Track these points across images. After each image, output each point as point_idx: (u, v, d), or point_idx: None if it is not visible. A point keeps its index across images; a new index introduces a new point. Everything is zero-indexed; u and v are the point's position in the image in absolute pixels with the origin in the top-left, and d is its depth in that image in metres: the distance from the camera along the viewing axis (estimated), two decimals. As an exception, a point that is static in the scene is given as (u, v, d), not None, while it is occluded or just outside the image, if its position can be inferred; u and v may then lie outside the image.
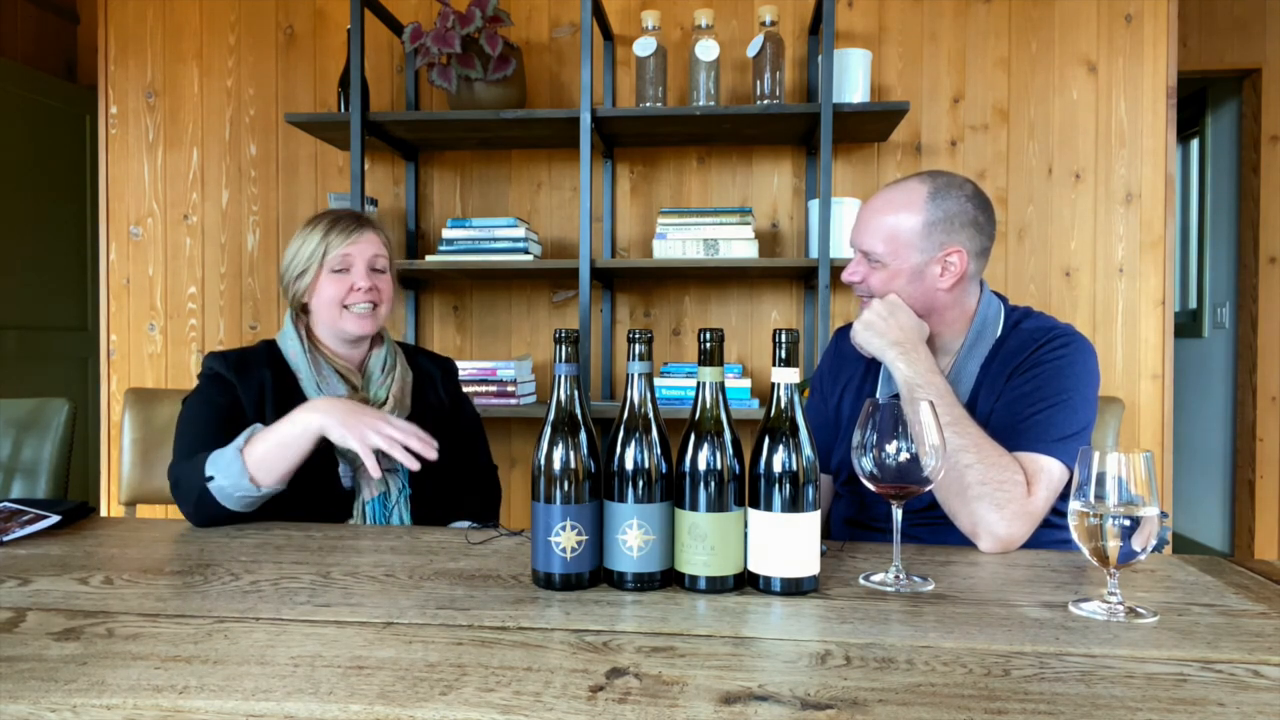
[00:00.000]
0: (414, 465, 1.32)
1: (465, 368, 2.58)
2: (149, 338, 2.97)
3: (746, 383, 2.57)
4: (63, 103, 3.71)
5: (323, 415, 1.34)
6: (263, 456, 1.33)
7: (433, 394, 1.68)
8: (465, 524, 1.47)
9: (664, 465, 1.02)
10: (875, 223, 1.41)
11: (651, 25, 2.52)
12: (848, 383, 1.55)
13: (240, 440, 1.35)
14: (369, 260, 1.57)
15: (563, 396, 1.03)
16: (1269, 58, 3.86)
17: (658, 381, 2.55)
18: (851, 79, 2.50)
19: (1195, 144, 4.47)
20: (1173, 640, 0.86)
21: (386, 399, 1.57)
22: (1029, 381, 1.34)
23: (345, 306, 1.55)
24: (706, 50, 2.48)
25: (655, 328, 2.85)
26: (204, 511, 1.34)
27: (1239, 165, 4.09)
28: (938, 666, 0.79)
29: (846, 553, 1.20)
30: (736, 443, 1.02)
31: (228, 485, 1.32)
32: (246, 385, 1.50)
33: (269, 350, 1.58)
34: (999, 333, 1.44)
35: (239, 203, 2.94)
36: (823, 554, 1.11)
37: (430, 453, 1.32)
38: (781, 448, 1.00)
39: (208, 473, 1.33)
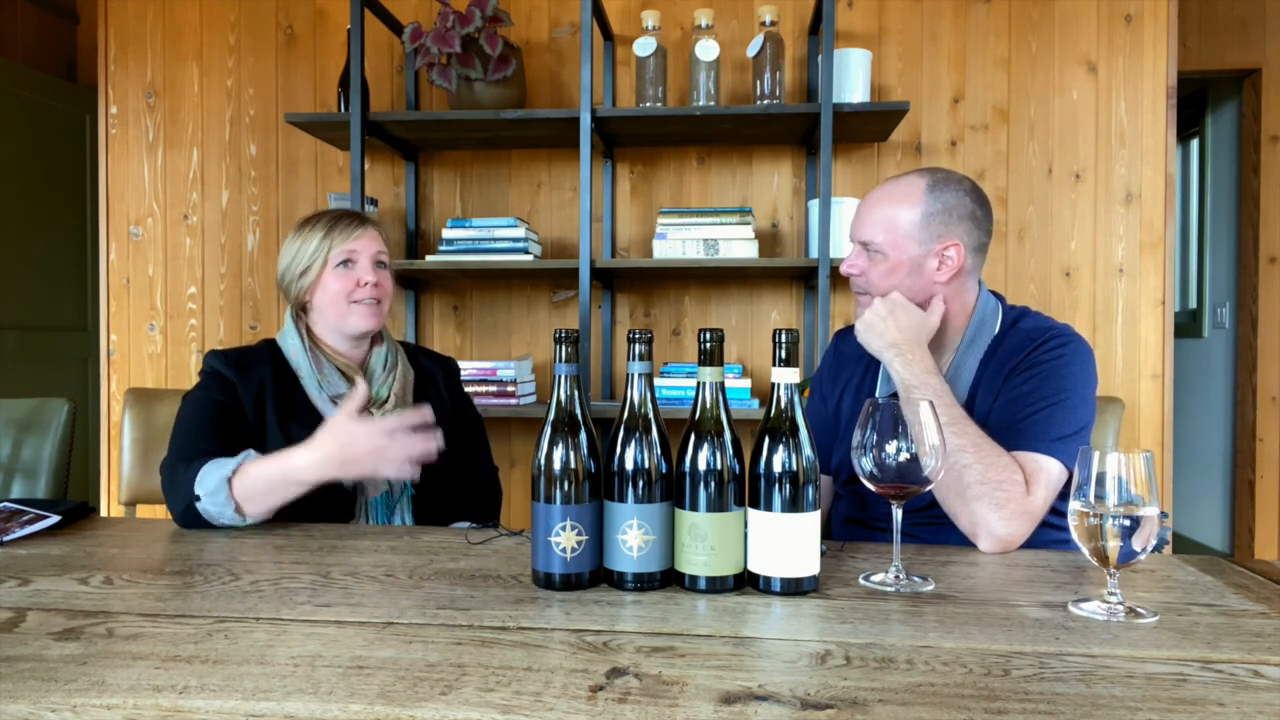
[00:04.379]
0: (416, 475, 1.30)
1: (465, 368, 2.57)
2: (149, 338, 2.97)
3: (746, 383, 2.57)
4: (63, 103, 3.71)
5: (319, 465, 1.28)
6: (250, 492, 1.29)
7: (434, 393, 1.67)
8: (465, 524, 1.47)
9: (664, 465, 1.02)
10: (874, 214, 1.42)
11: (651, 25, 2.52)
12: (847, 383, 1.56)
13: (228, 469, 1.29)
14: (373, 256, 1.58)
15: (563, 396, 1.03)
16: (1269, 58, 3.86)
17: (658, 381, 2.55)
18: (851, 79, 2.50)
19: (1195, 144, 4.47)
20: (1173, 640, 0.86)
21: (388, 397, 1.57)
22: (1027, 381, 1.34)
23: (351, 301, 1.56)
24: (706, 50, 2.48)
25: (655, 328, 2.85)
26: (190, 522, 1.33)
27: (1239, 165, 4.09)
28: (938, 666, 0.79)
29: (846, 553, 1.20)
30: (736, 443, 1.02)
31: (214, 510, 1.29)
32: (246, 384, 1.50)
33: (270, 349, 1.58)
34: (996, 330, 1.44)
35: (239, 203, 2.94)
36: (823, 554, 1.11)
37: (433, 444, 1.30)
38: (781, 448, 1.00)
39: (196, 490, 1.30)
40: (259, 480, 1.29)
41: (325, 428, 1.32)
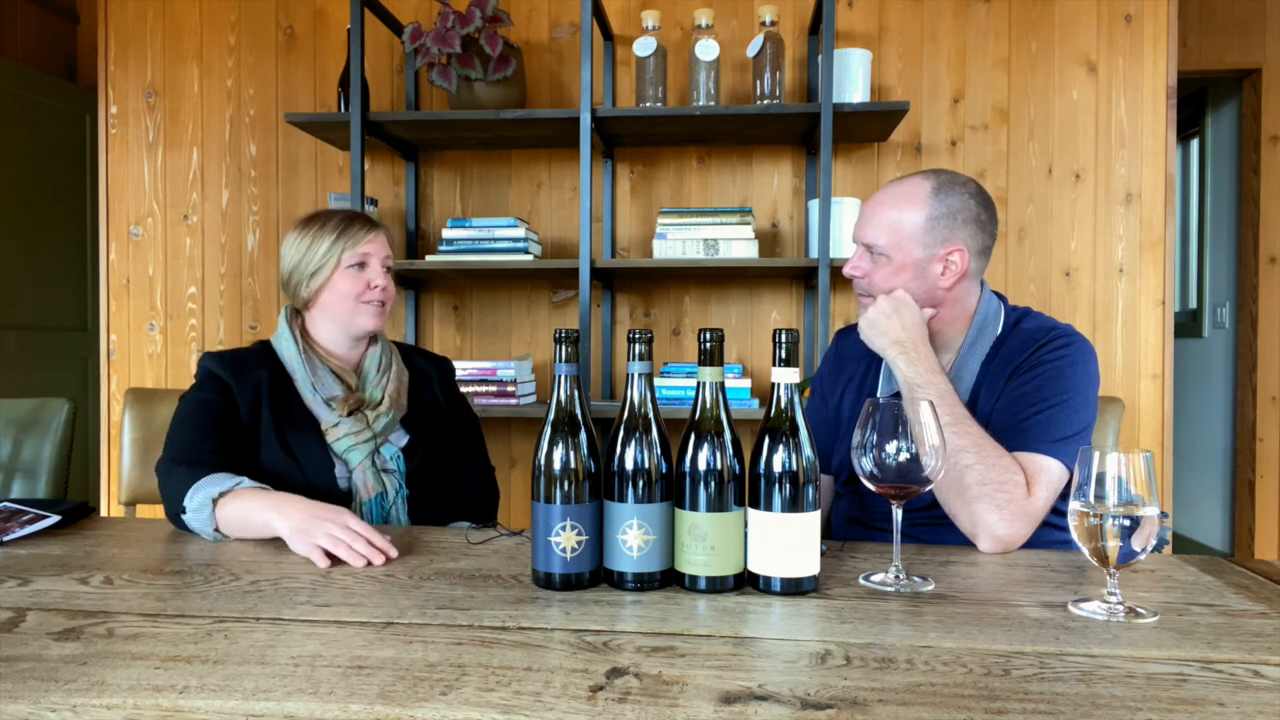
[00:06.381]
0: (359, 563, 1.16)
1: (465, 368, 2.58)
2: (149, 338, 2.97)
3: (746, 383, 2.57)
4: (63, 103, 3.71)
5: (282, 521, 1.22)
6: (230, 521, 1.29)
7: (429, 394, 1.67)
8: (465, 525, 1.47)
9: (664, 465, 1.02)
10: (879, 216, 1.41)
11: (651, 25, 2.52)
12: (848, 383, 1.55)
13: (216, 491, 1.29)
14: (383, 259, 1.61)
15: (563, 396, 1.03)
16: (1269, 58, 3.86)
17: (658, 381, 2.55)
18: (851, 79, 2.50)
19: (1195, 144, 4.47)
20: (1173, 640, 0.86)
21: (382, 399, 1.57)
22: (1029, 381, 1.34)
23: (360, 302, 1.57)
24: (706, 50, 2.48)
25: (655, 328, 2.85)
26: (179, 526, 1.35)
27: (1239, 165, 4.09)
28: (938, 666, 0.79)
29: (846, 553, 1.20)
30: (736, 443, 1.02)
31: (196, 526, 1.31)
32: (242, 386, 1.50)
33: (264, 351, 1.58)
34: (999, 331, 1.44)
35: (239, 203, 2.94)
36: (823, 554, 1.11)
37: (378, 558, 1.16)
38: (781, 448, 1.00)
39: (185, 503, 1.30)
40: (238, 516, 1.28)
41: (304, 504, 1.25)
